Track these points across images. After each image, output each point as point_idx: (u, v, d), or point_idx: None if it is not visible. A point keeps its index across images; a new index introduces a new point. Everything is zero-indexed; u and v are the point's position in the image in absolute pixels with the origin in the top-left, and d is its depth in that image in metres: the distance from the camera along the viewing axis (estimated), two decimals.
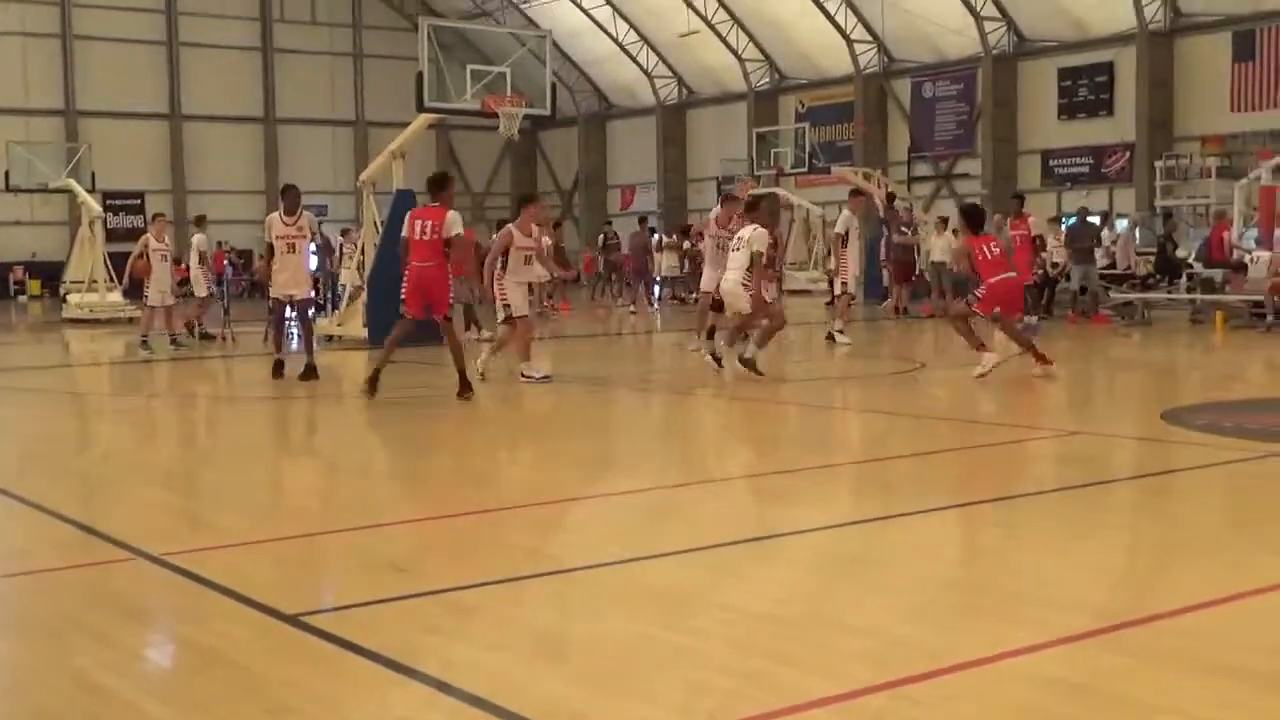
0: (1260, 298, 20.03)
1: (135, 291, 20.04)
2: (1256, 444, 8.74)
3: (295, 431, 11.65)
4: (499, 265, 13.22)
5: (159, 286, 18.60)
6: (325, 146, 47.05)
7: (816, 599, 5.24)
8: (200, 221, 21.92)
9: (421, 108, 18.41)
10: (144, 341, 18.30)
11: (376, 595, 5.16)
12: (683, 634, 4.65)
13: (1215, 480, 7.85)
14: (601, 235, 34.71)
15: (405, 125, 19.84)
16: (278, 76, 46.72)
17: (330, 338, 19.31)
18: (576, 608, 5.13)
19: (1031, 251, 20.76)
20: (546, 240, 17.40)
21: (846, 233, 18.08)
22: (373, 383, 11.70)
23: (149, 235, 19.14)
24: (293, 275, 13.95)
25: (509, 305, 13.24)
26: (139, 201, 42.42)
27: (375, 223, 19.38)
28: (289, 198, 14.11)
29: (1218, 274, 22.18)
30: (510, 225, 13.62)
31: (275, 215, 14.01)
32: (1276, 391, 12.34)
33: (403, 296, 11.79)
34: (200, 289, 20.58)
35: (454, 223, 11.68)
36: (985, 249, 13.01)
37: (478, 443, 10.32)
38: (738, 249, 12.90)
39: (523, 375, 13.03)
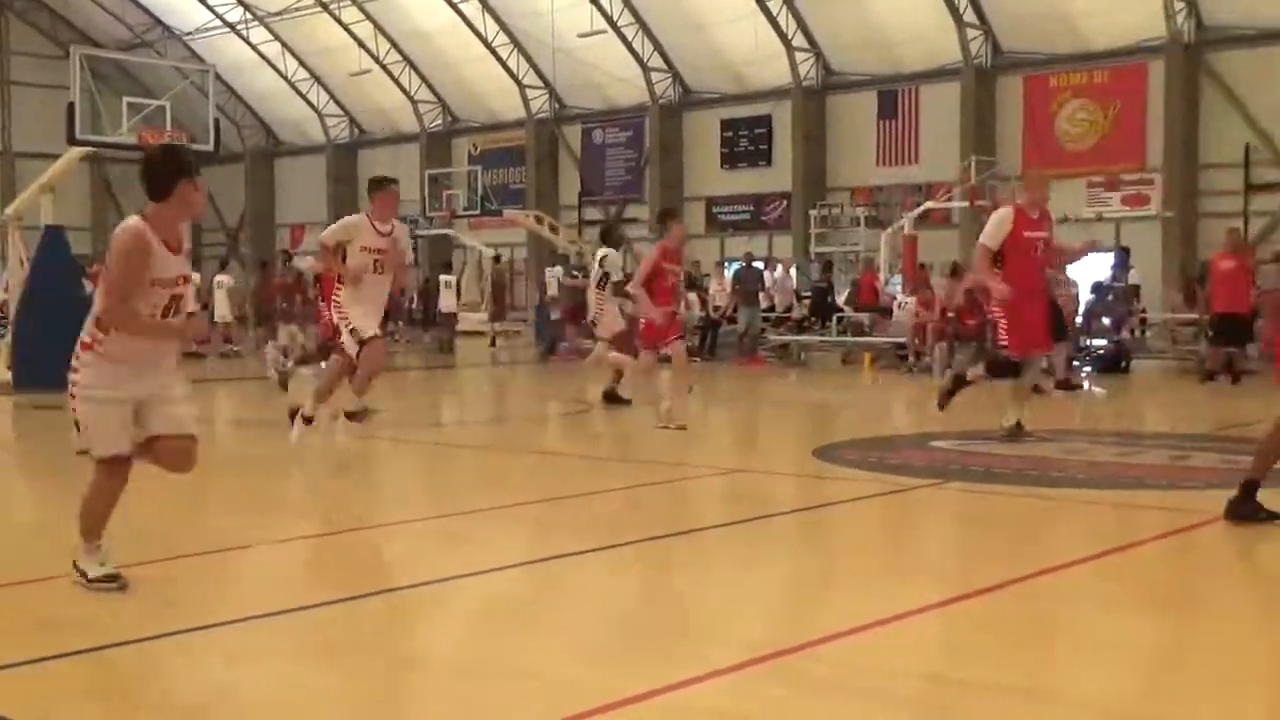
0: (904, 340, 21.43)
1: None
2: (898, 478, 9.34)
3: None
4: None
5: None
6: None
7: (487, 643, 5.28)
8: None
9: (73, 140, 17.56)
10: None
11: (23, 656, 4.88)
12: (352, 682, 4.60)
13: (861, 513, 8.36)
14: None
15: (56, 157, 18.84)
16: None
17: None
18: (236, 659, 4.99)
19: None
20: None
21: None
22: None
23: None
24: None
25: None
26: None
27: (21, 260, 18.30)
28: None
29: (866, 318, 23.60)
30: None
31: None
32: (916, 429, 13.21)
33: None
34: None
35: None
36: None
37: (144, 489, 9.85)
38: None
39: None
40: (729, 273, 26.76)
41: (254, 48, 43.17)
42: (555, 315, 26.17)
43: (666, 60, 36.29)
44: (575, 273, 26.08)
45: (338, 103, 44.51)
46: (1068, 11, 28.97)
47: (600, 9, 34.84)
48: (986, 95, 31.02)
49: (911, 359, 21.08)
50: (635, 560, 6.89)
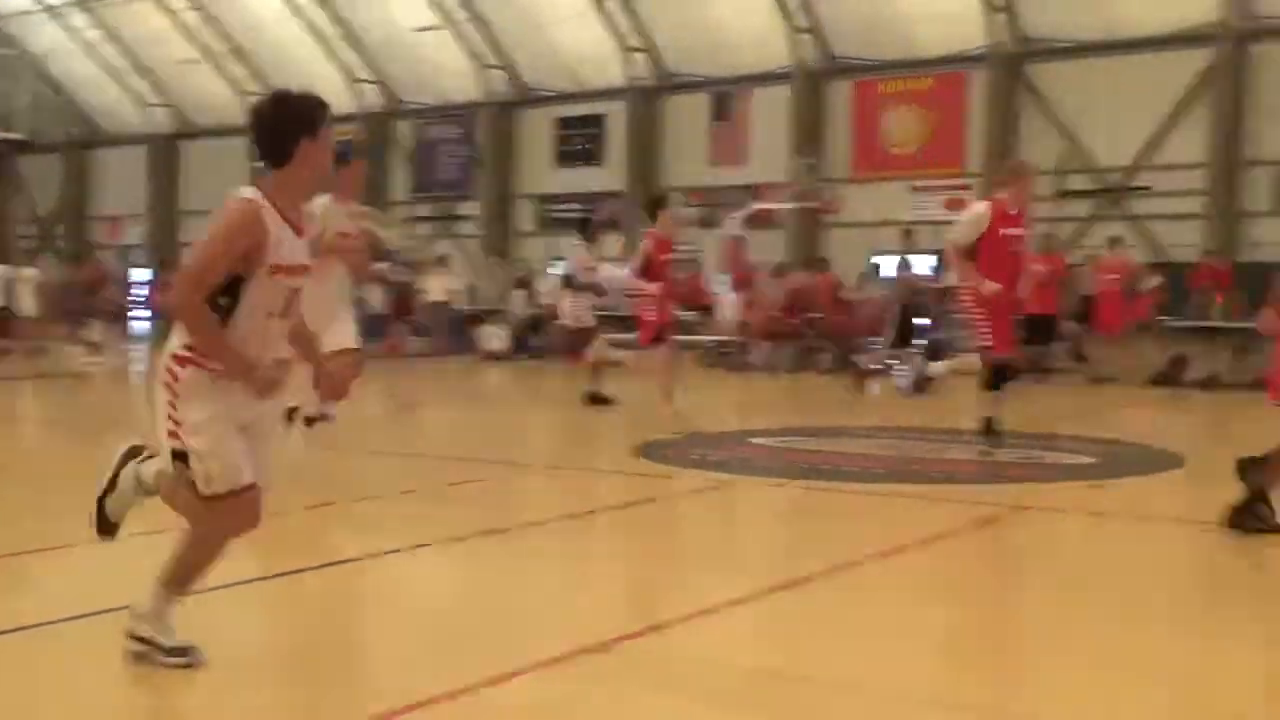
0: (728, 338, 21.75)
1: None
2: (718, 475, 9.48)
3: None
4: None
5: None
6: None
7: (297, 642, 5.22)
8: None
9: None
10: None
11: None
12: (154, 684, 4.50)
13: (680, 509, 8.46)
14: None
15: None
16: None
17: None
18: (36, 663, 4.84)
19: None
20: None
21: None
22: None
23: None
24: None
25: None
26: None
27: None
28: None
29: (693, 316, 23.87)
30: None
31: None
32: (738, 425, 13.40)
33: None
34: None
35: None
36: None
37: None
38: None
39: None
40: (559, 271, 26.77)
41: (72, 32, 41.67)
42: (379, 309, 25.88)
43: (502, 57, 36.14)
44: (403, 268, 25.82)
45: (161, 92, 43.24)
46: (896, 19, 29.69)
47: (436, 3, 34.53)
48: (816, 99, 31.58)
49: (735, 357, 21.38)
50: (450, 558, 6.87)
